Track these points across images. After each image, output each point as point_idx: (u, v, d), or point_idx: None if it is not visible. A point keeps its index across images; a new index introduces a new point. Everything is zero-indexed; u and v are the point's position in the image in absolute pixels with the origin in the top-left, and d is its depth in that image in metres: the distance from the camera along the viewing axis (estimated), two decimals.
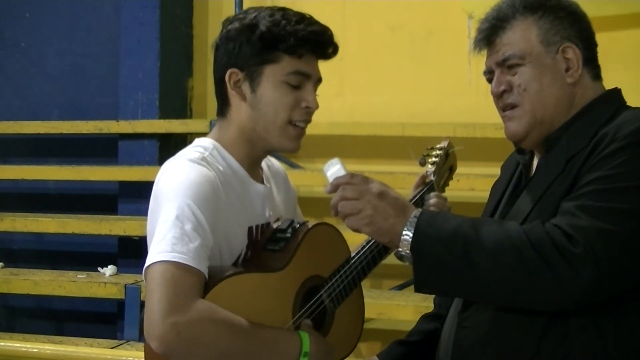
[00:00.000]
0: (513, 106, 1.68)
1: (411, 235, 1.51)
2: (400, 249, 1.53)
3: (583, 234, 1.43)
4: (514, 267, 1.44)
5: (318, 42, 1.74)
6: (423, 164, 2.03)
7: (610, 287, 1.46)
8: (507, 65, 1.68)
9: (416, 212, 1.54)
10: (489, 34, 1.70)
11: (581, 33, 1.68)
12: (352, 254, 1.84)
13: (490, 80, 1.73)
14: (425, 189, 1.96)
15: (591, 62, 1.69)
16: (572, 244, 1.42)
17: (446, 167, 2.08)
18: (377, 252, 1.82)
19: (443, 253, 1.49)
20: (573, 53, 1.66)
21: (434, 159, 2.02)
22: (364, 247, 1.83)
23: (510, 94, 1.68)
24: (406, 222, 1.52)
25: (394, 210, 1.53)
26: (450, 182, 2.18)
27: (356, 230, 1.56)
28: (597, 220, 1.44)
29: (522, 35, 1.66)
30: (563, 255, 1.42)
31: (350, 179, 1.56)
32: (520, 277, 1.44)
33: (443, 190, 2.07)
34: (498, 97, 1.70)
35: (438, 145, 2.08)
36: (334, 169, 1.59)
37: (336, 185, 1.56)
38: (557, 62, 1.66)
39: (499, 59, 1.69)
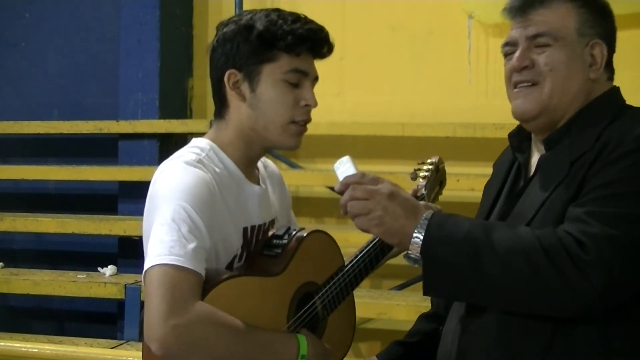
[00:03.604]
0: (532, 83, 1.64)
1: (421, 237, 1.48)
2: (409, 251, 1.51)
3: (594, 241, 1.41)
4: (525, 273, 1.42)
5: (315, 40, 1.75)
6: (414, 178, 2.04)
7: (620, 295, 1.45)
8: (537, 42, 1.64)
9: (427, 214, 1.51)
10: (527, 4, 1.65)
11: (610, 35, 1.68)
12: (346, 262, 1.84)
13: (506, 54, 1.69)
14: None
15: (610, 64, 1.69)
16: (584, 251, 1.41)
17: (436, 182, 2.10)
18: (369, 261, 1.83)
19: (453, 257, 1.46)
20: (600, 51, 1.65)
21: (425, 174, 2.03)
22: (357, 256, 1.83)
23: (530, 71, 1.64)
24: (417, 224, 1.50)
25: (404, 212, 1.51)
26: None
27: (365, 230, 1.53)
28: (607, 226, 1.43)
29: (561, 17, 1.63)
30: (574, 262, 1.40)
31: (360, 179, 1.53)
32: (531, 283, 1.43)
33: None
34: (518, 71, 1.66)
35: (429, 160, 2.09)
36: (345, 168, 1.56)
37: (346, 184, 1.53)
38: (584, 55, 1.64)
39: (530, 34, 1.64)
